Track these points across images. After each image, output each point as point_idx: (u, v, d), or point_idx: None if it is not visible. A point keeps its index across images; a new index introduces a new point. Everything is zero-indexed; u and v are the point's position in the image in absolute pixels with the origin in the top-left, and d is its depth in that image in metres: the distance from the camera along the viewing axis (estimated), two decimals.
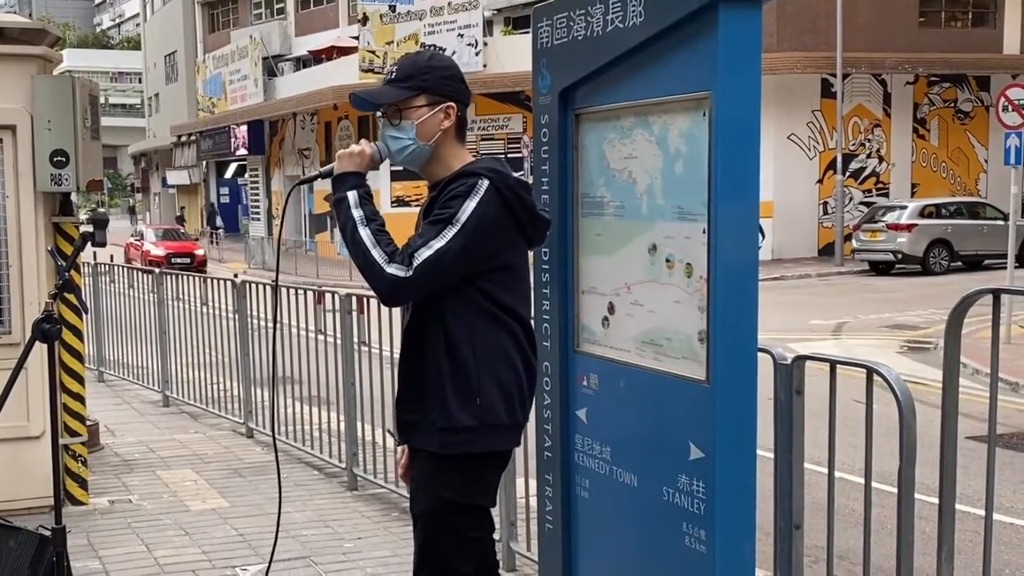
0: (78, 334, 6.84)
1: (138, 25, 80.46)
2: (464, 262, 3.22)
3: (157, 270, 11.27)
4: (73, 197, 6.81)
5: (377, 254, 3.19)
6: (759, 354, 3.43)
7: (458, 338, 3.30)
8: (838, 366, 3.68)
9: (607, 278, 3.72)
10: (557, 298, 3.95)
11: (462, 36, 34.01)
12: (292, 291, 8.14)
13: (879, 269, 26.89)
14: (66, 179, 6.28)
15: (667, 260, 3.39)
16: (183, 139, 54.98)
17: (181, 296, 10.77)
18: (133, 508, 6.88)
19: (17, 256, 6.38)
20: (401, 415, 3.47)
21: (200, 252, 35.84)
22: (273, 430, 4.31)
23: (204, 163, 53.87)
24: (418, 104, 3.33)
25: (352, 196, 3.29)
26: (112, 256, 12.00)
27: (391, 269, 3.17)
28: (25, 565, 4.92)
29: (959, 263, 26.06)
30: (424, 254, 3.17)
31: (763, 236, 30.87)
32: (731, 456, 3.19)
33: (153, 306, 10.95)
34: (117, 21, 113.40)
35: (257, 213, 47.36)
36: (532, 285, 3.70)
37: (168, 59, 61.54)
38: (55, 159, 6.25)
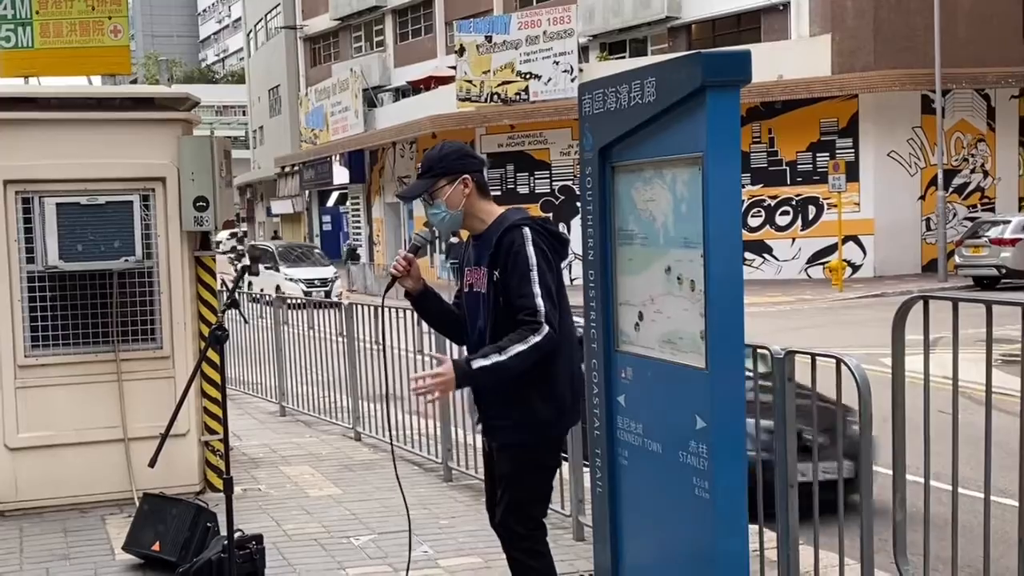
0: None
1: (242, 60, 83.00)
2: (551, 282, 4.33)
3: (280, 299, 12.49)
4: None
5: (521, 348, 4.27)
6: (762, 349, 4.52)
7: None
8: (818, 358, 4.72)
9: (637, 292, 4.79)
10: (601, 309, 5.02)
11: (557, 63, 34.53)
12: (394, 312, 9.28)
13: (983, 284, 26.56)
14: (206, 220, 7.57)
15: (678, 278, 4.46)
16: (286, 169, 56.78)
17: (288, 320, 12.02)
18: (262, 494, 8.12)
19: (167, 284, 7.68)
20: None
21: None
22: (391, 436, 5.45)
23: (307, 192, 55.60)
24: (441, 185, 4.44)
25: (477, 377, 4.33)
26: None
27: (533, 338, 4.26)
28: (185, 527, 6.17)
29: None
30: (537, 300, 4.29)
31: (864, 253, 31.05)
32: (724, 424, 4.24)
33: (269, 330, 12.27)
34: (221, 56, 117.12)
35: (359, 240, 48.88)
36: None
37: (272, 92, 63.41)
38: (197, 204, 7.54)
